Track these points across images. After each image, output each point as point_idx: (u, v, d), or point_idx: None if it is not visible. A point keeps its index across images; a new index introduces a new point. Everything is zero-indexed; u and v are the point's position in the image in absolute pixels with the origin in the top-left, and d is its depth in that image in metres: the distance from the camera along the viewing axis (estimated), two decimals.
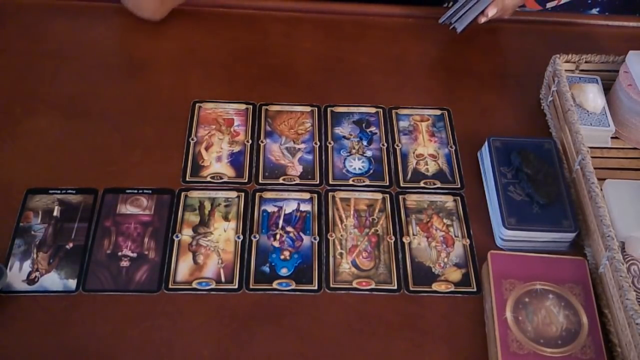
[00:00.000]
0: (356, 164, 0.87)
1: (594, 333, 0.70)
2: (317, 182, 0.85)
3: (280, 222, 0.80)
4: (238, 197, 0.82)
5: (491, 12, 0.96)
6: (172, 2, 1.00)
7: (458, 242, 0.80)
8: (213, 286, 0.75)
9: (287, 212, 0.81)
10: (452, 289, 0.76)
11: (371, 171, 0.86)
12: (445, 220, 0.82)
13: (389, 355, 0.71)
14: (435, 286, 0.76)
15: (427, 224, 0.81)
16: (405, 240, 0.80)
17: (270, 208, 0.82)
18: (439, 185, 0.85)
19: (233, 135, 0.89)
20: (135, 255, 0.76)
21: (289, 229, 0.80)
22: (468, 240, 0.80)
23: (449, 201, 0.84)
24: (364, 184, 0.85)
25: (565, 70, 0.91)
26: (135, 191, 0.82)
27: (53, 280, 0.74)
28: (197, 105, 0.92)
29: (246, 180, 0.84)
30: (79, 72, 0.96)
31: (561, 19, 1.10)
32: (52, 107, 0.91)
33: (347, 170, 0.86)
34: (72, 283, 0.74)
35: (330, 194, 0.84)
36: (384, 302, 0.75)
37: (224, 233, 0.79)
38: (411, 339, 0.72)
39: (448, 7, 1.00)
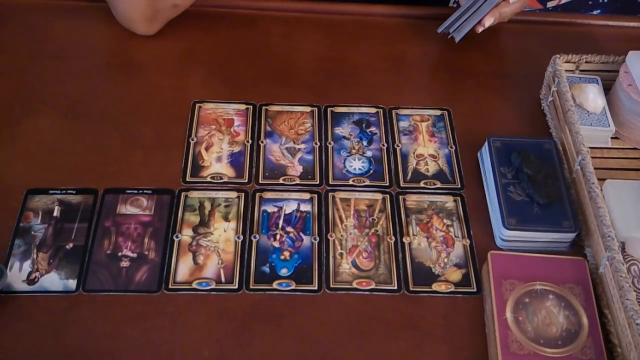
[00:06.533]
0: (356, 164, 0.87)
1: (594, 333, 0.70)
2: (317, 182, 0.85)
3: (281, 222, 0.80)
4: (238, 197, 0.82)
5: (488, 22, 0.96)
6: (165, 17, 0.99)
7: (458, 243, 0.80)
8: (213, 286, 0.75)
9: (287, 212, 0.81)
10: (452, 289, 0.76)
11: (371, 171, 0.86)
12: (445, 221, 0.82)
13: (389, 355, 0.71)
14: (435, 286, 0.76)
15: (427, 224, 0.81)
16: (406, 240, 0.80)
17: (270, 208, 0.82)
18: (439, 185, 0.85)
19: (233, 136, 0.89)
20: (135, 255, 0.76)
21: (289, 229, 0.80)
22: (468, 241, 0.80)
23: (449, 201, 0.84)
24: (364, 184, 0.85)
25: (566, 71, 0.91)
26: (135, 191, 0.82)
27: (53, 281, 0.74)
28: (197, 105, 0.92)
29: (246, 181, 0.84)
30: (79, 72, 0.96)
31: (561, 19, 1.10)
32: (52, 107, 0.91)
33: (347, 171, 0.86)
34: (72, 283, 0.74)
35: (330, 194, 0.83)
36: (384, 303, 0.75)
37: (224, 233, 0.79)
38: (411, 339, 0.72)
39: (450, 8, 1.00)
